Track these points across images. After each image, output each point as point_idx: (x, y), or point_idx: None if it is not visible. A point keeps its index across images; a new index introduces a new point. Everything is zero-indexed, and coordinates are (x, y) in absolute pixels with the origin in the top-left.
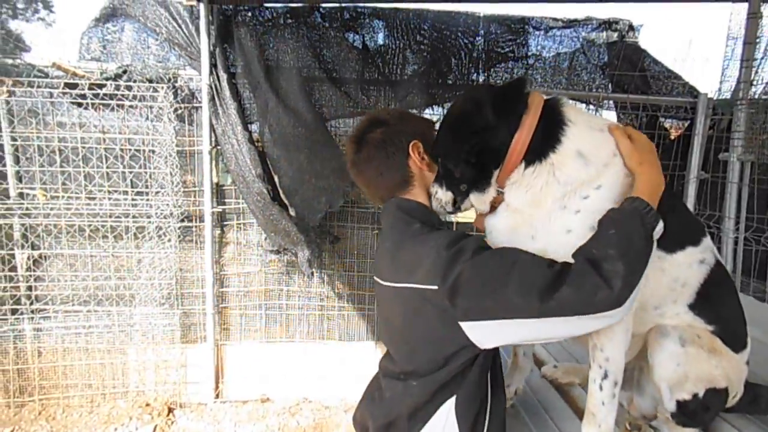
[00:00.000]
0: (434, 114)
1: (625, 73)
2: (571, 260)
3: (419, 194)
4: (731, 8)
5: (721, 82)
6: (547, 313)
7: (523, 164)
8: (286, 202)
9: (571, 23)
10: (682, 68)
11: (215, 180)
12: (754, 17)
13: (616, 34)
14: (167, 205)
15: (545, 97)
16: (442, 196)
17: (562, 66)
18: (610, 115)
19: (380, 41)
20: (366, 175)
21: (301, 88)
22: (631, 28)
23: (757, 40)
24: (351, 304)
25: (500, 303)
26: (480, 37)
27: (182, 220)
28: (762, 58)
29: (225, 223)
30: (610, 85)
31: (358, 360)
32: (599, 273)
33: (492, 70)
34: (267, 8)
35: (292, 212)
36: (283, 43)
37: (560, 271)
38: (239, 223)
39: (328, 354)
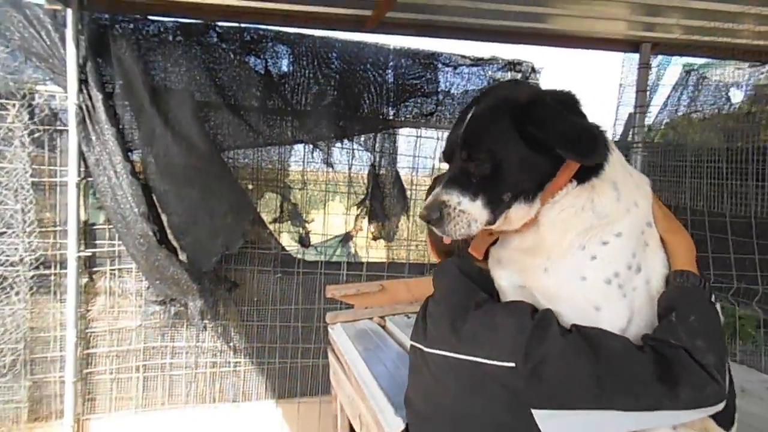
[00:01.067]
0: (343, 147)
1: None
2: (603, 323)
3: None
4: (623, 57)
5: (614, 126)
6: (652, 407)
7: (575, 182)
8: (175, 244)
9: (478, 61)
10: None
11: (83, 218)
12: (645, 67)
13: (519, 75)
14: (16, 249)
15: None
16: (474, 210)
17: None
18: None
19: (285, 68)
20: None
21: (194, 114)
22: (533, 70)
23: (648, 89)
24: (248, 359)
25: (592, 390)
26: (390, 71)
27: (36, 267)
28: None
29: (95, 269)
30: None
31: (255, 424)
32: (702, 366)
33: (403, 104)
34: (152, 21)
35: (182, 256)
36: (172, 63)
37: (660, 361)
38: (113, 269)
39: (220, 419)
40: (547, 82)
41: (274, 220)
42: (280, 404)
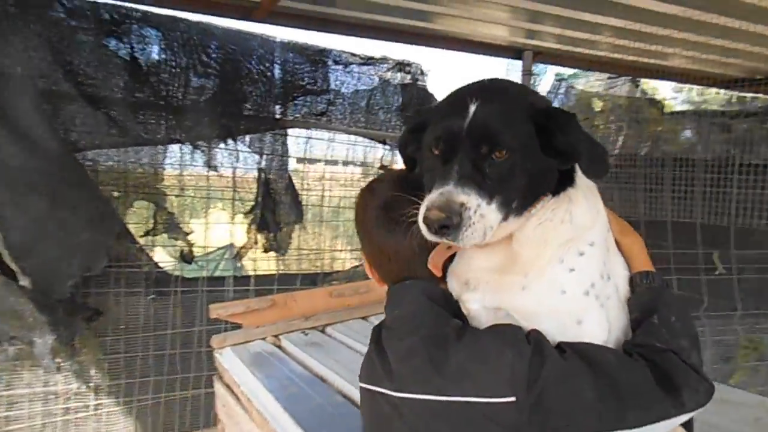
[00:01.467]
0: (227, 148)
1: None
2: (578, 335)
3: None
4: (507, 63)
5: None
6: (663, 416)
7: (550, 195)
8: (14, 267)
9: (368, 60)
10: None
11: None
12: (528, 74)
13: (409, 77)
14: None
15: None
16: (491, 216)
17: (360, 104)
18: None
19: (155, 55)
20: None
21: (37, 106)
22: (422, 72)
23: None
24: (113, 398)
25: (600, 412)
26: (277, 66)
27: None
28: None
29: None
30: (404, 127)
31: None
32: (690, 366)
33: (292, 102)
34: None
35: (25, 282)
36: (4, 41)
37: (655, 368)
38: None
39: None
40: (434, 84)
41: (146, 233)
42: None
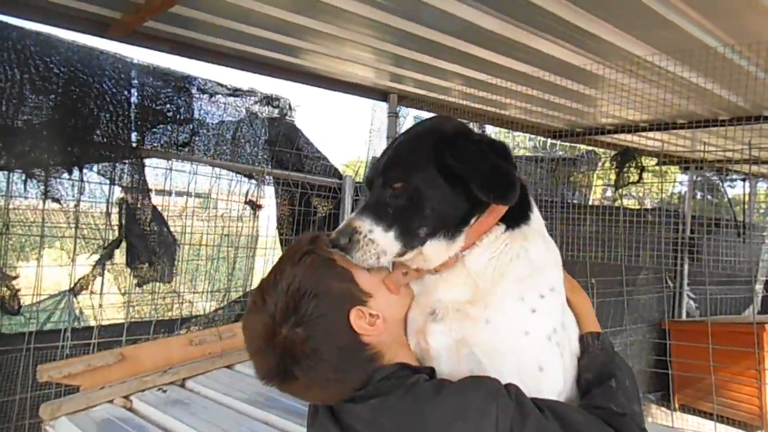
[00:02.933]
0: (71, 179)
1: (285, 150)
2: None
3: (392, 352)
4: (373, 104)
5: (366, 167)
6: None
7: (503, 226)
8: None
9: (236, 92)
10: (327, 150)
11: None
12: (393, 116)
13: (277, 111)
14: None
15: None
16: (384, 242)
17: (226, 136)
18: (270, 191)
19: None
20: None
21: None
22: (290, 107)
23: (397, 135)
24: None
25: None
26: (135, 89)
27: None
28: None
29: None
30: (271, 162)
31: None
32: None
33: (151, 131)
34: None
35: None
36: None
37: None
38: None
39: None
40: (303, 119)
41: None
42: None
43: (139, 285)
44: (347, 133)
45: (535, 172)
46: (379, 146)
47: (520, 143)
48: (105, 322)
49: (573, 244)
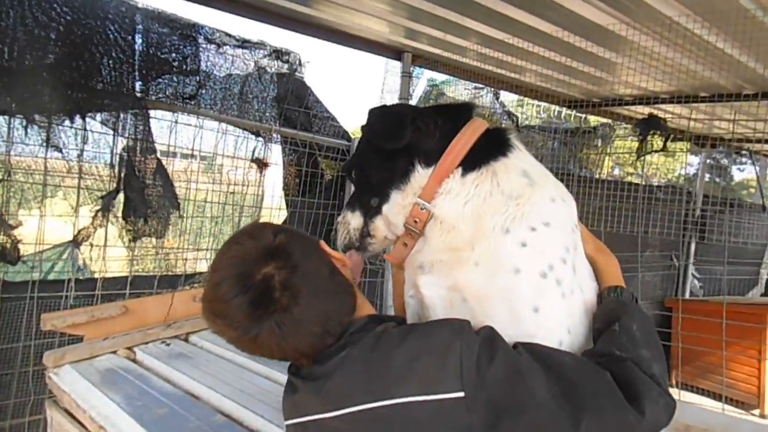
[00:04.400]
0: (74, 127)
1: (293, 108)
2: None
3: (364, 306)
4: (386, 63)
5: None
6: (621, 427)
7: (459, 170)
8: None
9: (245, 43)
10: (337, 111)
11: None
12: (406, 76)
13: (286, 66)
14: None
15: (491, 126)
16: (351, 220)
17: (233, 90)
18: (277, 150)
19: None
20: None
21: None
22: (300, 62)
23: (410, 97)
24: None
25: (554, 412)
26: (139, 35)
27: None
28: None
29: None
30: (279, 119)
31: None
32: (651, 377)
33: (156, 81)
34: None
35: None
36: None
37: (615, 376)
38: None
39: None
40: (313, 77)
41: None
42: None
43: (132, 240)
44: (358, 94)
45: (546, 143)
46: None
47: (533, 113)
48: (109, 275)
49: (582, 218)
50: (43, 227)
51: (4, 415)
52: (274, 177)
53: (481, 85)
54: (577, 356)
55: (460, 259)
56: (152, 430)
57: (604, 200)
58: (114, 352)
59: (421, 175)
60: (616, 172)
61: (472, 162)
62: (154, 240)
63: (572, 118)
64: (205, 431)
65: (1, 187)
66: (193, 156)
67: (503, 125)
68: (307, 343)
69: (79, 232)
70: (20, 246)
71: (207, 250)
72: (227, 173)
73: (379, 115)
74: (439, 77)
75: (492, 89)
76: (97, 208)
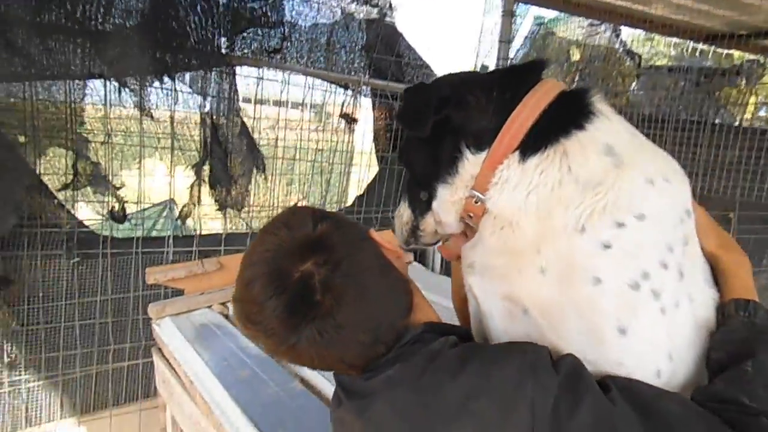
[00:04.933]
0: (164, 87)
1: (383, 57)
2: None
3: (421, 306)
4: (486, 2)
5: None
6: None
7: (517, 154)
8: None
9: None
10: (431, 57)
11: None
12: (507, 15)
13: (375, 11)
14: None
15: (568, 88)
16: (404, 213)
17: (320, 41)
18: (367, 103)
19: None
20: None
21: None
22: (390, 6)
23: (512, 39)
24: (33, 374)
25: None
26: None
27: None
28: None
29: None
30: (368, 70)
31: None
32: None
33: (240, 35)
34: None
35: None
36: None
37: None
38: None
39: None
40: (404, 21)
41: (65, 186)
42: (85, 421)
43: (220, 209)
44: (454, 38)
45: (676, 86)
46: (491, 53)
47: (662, 49)
48: (204, 232)
49: (713, 174)
50: (143, 187)
51: (122, 357)
52: (364, 131)
53: (597, 21)
54: (688, 402)
55: (519, 266)
56: (233, 392)
57: (742, 152)
58: (209, 307)
59: (471, 163)
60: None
61: (536, 141)
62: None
63: (710, 55)
64: (281, 398)
65: (103, 149)
66: (279, 112)
67: (626, 65)
68: (355, 353)
69: (183, 208)
70: (125, 205)
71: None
72: (316, 129)
73: (407, 95)
74: (548, 14)
75: (611, 25)
76: (191, 180)
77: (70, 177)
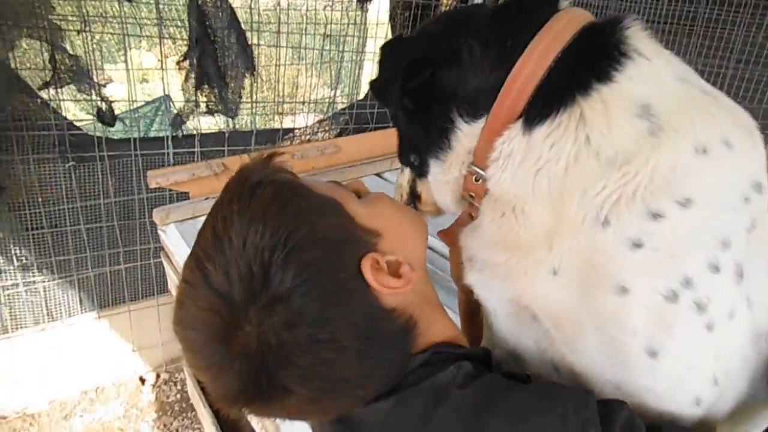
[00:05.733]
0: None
1: None
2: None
3: (426, 320)
4: None
5: None
6: None
7: (520, 123)
8: None
9: None
10: None
11: None
12: None
13: None
14: None
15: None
16: (402, 180)
17: None
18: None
19: None
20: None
21: None
22: None
23: None
24: (48, 275)
25: None
26: None
27: None
28: None
29: None
30: None
31: (72, 345)
32: None
33: None
34: None
35: None
36: None
37: None
38: None
39: (21, 349)
40: None
41: (46, 85)
42: (105, 316)
43: (210, 112)
44: None
45: None
46: None
47: None
48: (205, 131)
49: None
50: (133, 82)
51: (134, 258)
52: (378, 10)
53: None
54: None
55: (525, 265)
56: None
57: None
58: None
59: (466, 135)
60: None
61: (545, 103)
62: (251, 94)
63: None
64: None
65: (80, 38)
66: None
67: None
68: (341, 406)
69: (177, 113)
70: (114, 105)
71: (304, 103)
72: (324, 8)
73: (381, 54)
74: None
75: None
76: (182, 70)
77: (50, 73)
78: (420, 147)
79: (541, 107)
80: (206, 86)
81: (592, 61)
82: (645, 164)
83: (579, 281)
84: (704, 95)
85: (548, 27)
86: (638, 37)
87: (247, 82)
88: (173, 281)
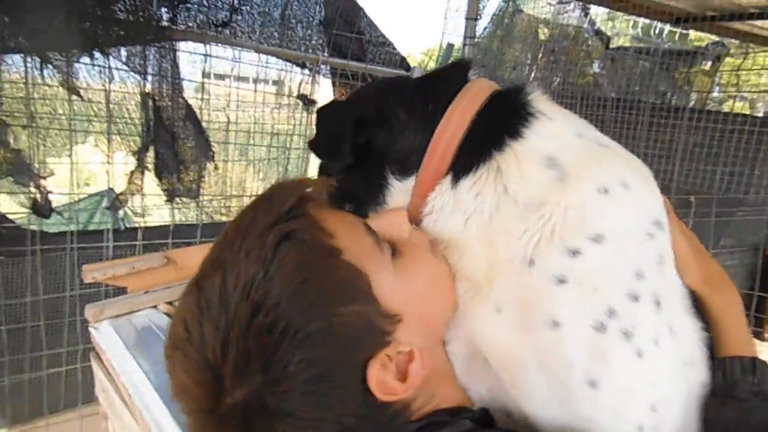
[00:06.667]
0: (95, 64)
1: (343, 34)
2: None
3: (428, 392)
4: None
5: (439, 56)
6: None
7: (449, 177)
8: None
9: None
10: (394, 35)
11: None
12: None
13: None
14: None
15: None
16: None
17: (273, 15)
18: (327, 84)
19: None
20: None
21: None
22: None
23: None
24: None
25: None
26: None
27: None
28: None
29: None
30: (327, 48)
31: None
32: None
33: (180, 7)
34: None
35: None
36: None
37: None
38: None
39: None
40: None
41: None
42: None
43: (169, 199)
44: (418, 14)
45: (636, 65)
46: (457, 31)
47: (625, 28)
48: (150, 224)
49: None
50: (76, 176)
51: (59, 362)
52: None
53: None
54: None
55: (477, 300)
56: (172, 408)
57: (695, 136)
58: (155, 307)
59: (399, 191)
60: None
61: (467, 159)
62: (194, 189)
63: (677, 37)
64: None
65: (26, 133)
66: (230, 92)
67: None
68: None
69: (119, 194)
70: (52, 197)
71: (251, 196)
72: (270, 111)
73: (319, 117)
74: None
75: (580, 3)
76: (132, 167)
77: None
78: (358, 199)
79: (464, 163)
80: (164, 173)
81: (503, 121)
82: (557, 206)
83: (518, 319)
84: (600, 147)
85: (461, 94)
86: (540, 100)
87: (197, 175)
88: (102, 385)
